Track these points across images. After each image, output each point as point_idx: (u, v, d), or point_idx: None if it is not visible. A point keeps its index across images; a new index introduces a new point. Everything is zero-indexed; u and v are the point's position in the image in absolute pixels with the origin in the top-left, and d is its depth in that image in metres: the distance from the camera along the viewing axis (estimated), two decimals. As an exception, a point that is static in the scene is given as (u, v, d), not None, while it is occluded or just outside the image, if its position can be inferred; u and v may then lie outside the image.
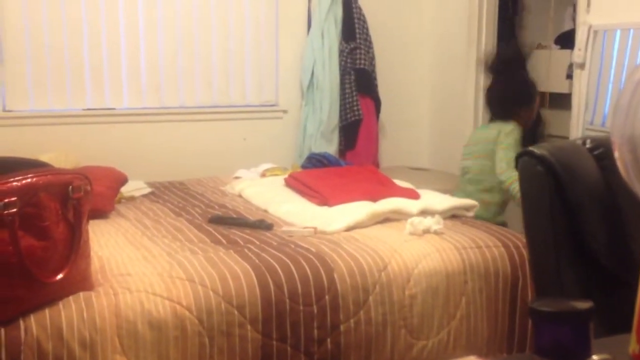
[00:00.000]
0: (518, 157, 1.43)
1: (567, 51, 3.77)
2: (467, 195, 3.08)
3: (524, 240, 1.52)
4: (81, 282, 1.85)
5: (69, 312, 1.77)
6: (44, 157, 3.10)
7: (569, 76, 3.66)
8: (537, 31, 4.46)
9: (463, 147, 3.29)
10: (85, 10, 3.69)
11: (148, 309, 1.85)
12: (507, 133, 3.05)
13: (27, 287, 1.70)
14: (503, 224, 3.02)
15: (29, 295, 1.72)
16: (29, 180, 1.71)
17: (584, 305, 0.82)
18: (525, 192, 1.43)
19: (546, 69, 4.18)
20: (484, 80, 3.87)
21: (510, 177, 2.94)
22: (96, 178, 2.28)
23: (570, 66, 3.60)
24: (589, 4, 3.30)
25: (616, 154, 0.91)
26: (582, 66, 3.36)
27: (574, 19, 3.69)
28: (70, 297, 1.81)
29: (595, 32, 3.26)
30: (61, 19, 3.64)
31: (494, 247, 2.36)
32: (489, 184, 3.09)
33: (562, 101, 3.97)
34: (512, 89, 3.21)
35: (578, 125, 3.40)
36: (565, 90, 3.84)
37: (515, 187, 2.91)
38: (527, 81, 3.28)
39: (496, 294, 2.31)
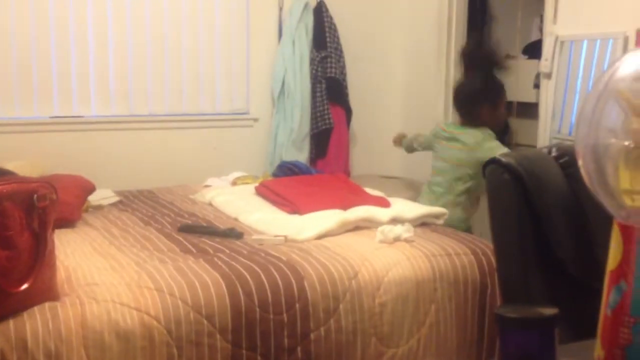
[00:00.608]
0: (485, 166, 1.45)
1: (535, 61, 3.83)
2: (434, 196, 3.10)
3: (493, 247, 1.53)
4: (46, 292, 1.82)
5: (34, 322, 1.74)
6: (9, 166, 3.05)
7: (537, 86, 3.70)
8: (505, 41, 4.52)
9: (434, 143, 3.25)
10: (53, 17, 3.64)
11: (115, 319, 1.82)
12: (487, 145, 3.02)
13: (-9, 297, 1.67)
14: (468, 230, 3.03)
15: (-8, 306, 1.69)
16: (-8, 188, 1.67)
17: (549, 311, 0.83)
18: (492, 200, 1.45)
19: (514, 79, 4.22)
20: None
21: None
22: (63, 186, 2.25)
23: (538, 76, 3.65)
24: (555, 15, 3.36)
25: (580, 163, 0.92)
26: (549, 76, 3.41)
27: (541, 30, 3.75)
28: (35, 308, 1.78)
29: (562, 42, 3.32)
30: (28, 25, 3.59)
31: (464, 255, 2.38)
32: (459, 189, 3.10)
33: (529, 110, 4.02)
34: (479, 85, 3.19)
35: (545, 134, 3.45)
36: (532, 100, 3.89)
37: None
38: (496, 82, 3.29)
39: (465, 301, 2.33)
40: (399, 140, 3.67)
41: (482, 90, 3.16)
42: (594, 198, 1.01)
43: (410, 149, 3.58)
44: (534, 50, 4.03)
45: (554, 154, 1.48)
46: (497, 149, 2.95)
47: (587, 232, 1.41)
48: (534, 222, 1.42)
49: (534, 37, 4.28)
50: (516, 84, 4.18)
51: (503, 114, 3.25)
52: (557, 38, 3.33)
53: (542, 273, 1.43)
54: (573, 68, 3.30)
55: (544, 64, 3.43)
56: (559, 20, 3.35)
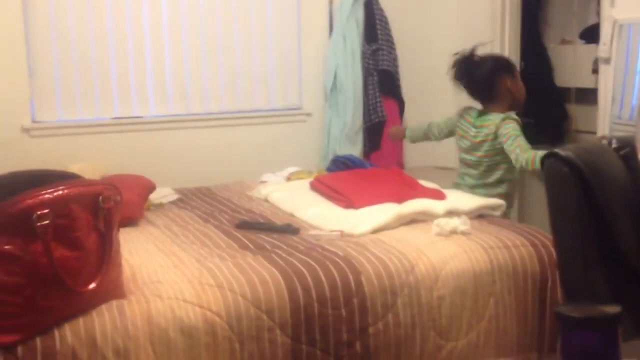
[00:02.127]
0: (544, 159, 1.43)
1: (593, 46, 3.73)
2: (469, 189, 3.04)
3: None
4: (113, 290, 1.88)
5: (103, 320, 1.81)
6: (73, 167, 3.16)
7: (595, 71, 3.61)
8: (562, 26, 4.42)
9: (459, 137, 3.18)
10: (110, 21, 3.74)
11: (179, 316, 1.88)
12: (505, 125, 2.91)
13: (62, 297, 1.74)
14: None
15: (63, 305, 1.76)
16: (60, 192, 1.74)
17: (611, 310, 0.82)
18: (551, 193, 1.43)
19: (571, 64, 4.14)
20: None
21: (528, 159, 2.81)
22: (125, 186, 2.32)
23: (596, 61, 3.56)
24: (613, -2, 3.27)
25: (641, 157, 0.91)
26: (607, 61, 3.33)
27: (598, 14, 3.65)
28: (103, 306, 1.84)
29: (621, 26, 3.23)
30: (87, 30, 3.70)
31: (522, 247, 2.35)
32: (494, 178, 3.03)
33: (588, 96, 3.93)
34: (492, 61, 3.10)
35: (605, 119, 3.37)
36: (591, 85, 3.80)
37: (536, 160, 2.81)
38: (504, 56, 3.23)
39: (525, 294, 2.30)
40: (398, 134, 3.63)
41: (497, 64, 3.10)
42: (656, 191, 0.99)
43: (421, 139, 3.50)
44: (591, 34, 3.93)
45: (614, 145, 1.45)
46: (512, 131, 2.88)
47: (651, 225, 1.38)
48: (595, 215, 1.40)
49: (591, 21, 4.17)
50: (574, 69, 4.09)
51: (523, 86, 3.14)
52: (615, 22, 3.24)
53: (604, 267, 1.40)
54: (632, 52, 3.21)
55: (602, 49, 3.34)
56: (616, 3, 3.26)
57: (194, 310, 1.90)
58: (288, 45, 4.17)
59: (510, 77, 3.07)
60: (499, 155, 2.97)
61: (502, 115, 2.97)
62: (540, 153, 2.75)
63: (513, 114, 3.01)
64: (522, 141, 2.85)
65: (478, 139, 3.04)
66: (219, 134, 4.02)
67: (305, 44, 4.19)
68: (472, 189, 3.03)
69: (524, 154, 2.79)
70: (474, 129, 3.07)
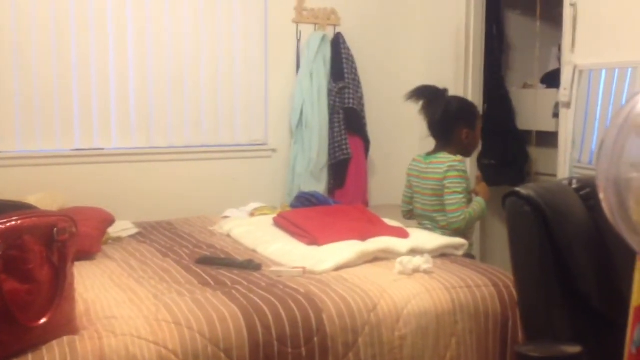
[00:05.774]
0: (505, 198, 1.43)
1: (553, 90, 3.82)
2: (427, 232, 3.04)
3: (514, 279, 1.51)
4: (65, 325, 1.82)
5: (53, 356, 1.74)
6: (31, 198, 3.08)
7: (556, 115, 3.69)
8: (523, 71, 4.52)
9: (410, 179, 3.20)
10: (74, 51, 3.70)
11: (133, 353, 1.81)
12: (449, 179, 2.97)
13: (10, 332, 1.67)
14: (471, 257, 2.95)
15: (11, 340, 1.68)
16: (13, 222, 1.69)
17: (572, 349, 0.81)
18: (512, 232, 1.43)
19: (533, 108, 4.22)
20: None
21: (460, 217, 2.95)
22: (83, 219, 2.27)
23: (557, 105, 3.64)
24: (573, 44, 3.36)
25: (601, 197, 0.91)
26: (568, 105, 3.40)
27: (559, 59, 3.75)
28: (54, 342, 1.78)
29: (581, 71, 3.31)
30: (50, 59, 3.65)
31: (484, 287, 2.35)
32: (445, 219, 3.05)
33: (549, 139, 4.01)
34: (456, 107, 3.14)
35: (565, 163, 3.43)
36: (552, 129, 3.87)
37: (468, 215, 2.95)
38: (471, 104, 3.27)
39: (486, 334, 2.29)
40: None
41: (459, 112, 3.13)
42: (616, 231, 0.99)
43: (408, 209, 3.31)
44: (552, 79, 4.02)
45: (574, 185, 1.46)
46: (452, 186, 2.96)
47: (611, 265, 1.39)
48: (556, 255, 1.40)
49: (552, 66, 4.28)
50: (535, 113, 4.17)
51: (479, 136, 3.21)
52: (575, 67, 3.33)
53: (565, 307, 1.40)
54: (592, 97, 3.28)
55: (562, 93, 3.42)
56: (577, 49, 3.34)
57: (148, 347, 1.84)
58: (255, 81, 4.17)
59: (468, 128, 3.11)
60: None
61: (449, 162, 3.01)
62: (464, 215, 2.96)
63: (459, 163, 3.02)
64: (456, 198, 2.96)
65: (426, 176, 3.08)
66: (182, 168, 3.98)
67: (272, 80, 4.20)
68: (432, 232, 3.02)
69: (452, 214, 2.95)
70: (423, 165, 3.12)
